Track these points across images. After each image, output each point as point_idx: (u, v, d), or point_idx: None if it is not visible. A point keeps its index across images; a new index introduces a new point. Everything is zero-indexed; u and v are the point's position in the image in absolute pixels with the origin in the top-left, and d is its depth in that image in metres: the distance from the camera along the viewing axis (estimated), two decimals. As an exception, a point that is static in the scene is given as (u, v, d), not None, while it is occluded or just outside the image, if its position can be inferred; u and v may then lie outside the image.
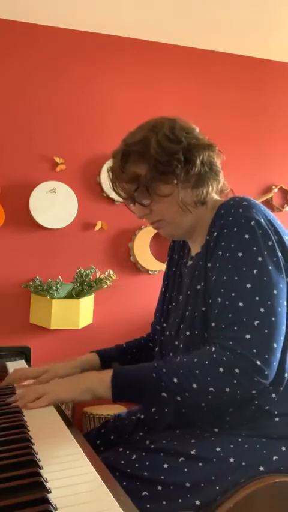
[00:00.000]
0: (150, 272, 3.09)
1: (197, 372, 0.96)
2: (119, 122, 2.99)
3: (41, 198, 2.90)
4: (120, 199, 1.27)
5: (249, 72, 3.40)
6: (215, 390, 0.95)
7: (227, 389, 0.95)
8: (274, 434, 1.02)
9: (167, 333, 1.21)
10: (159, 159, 1.09)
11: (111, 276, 2.86)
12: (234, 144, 3.30)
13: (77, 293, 2.79)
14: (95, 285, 2.81)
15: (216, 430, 1.05)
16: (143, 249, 3.07)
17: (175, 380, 0.97)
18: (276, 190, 3.38)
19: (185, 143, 1.11)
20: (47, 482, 0.66)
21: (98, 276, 2.86)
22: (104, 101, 3.11)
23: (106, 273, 2.86)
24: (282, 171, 3.43)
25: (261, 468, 0.97)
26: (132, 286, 3.06)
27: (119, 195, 1.19)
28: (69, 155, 3.02)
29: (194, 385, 0.96)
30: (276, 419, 1.03)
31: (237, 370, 0.94)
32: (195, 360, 0.98)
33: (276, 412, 1.03)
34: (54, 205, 2.92)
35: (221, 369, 0.94)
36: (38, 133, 2.99)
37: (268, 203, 3.37)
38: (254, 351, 0.94)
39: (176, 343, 1.16)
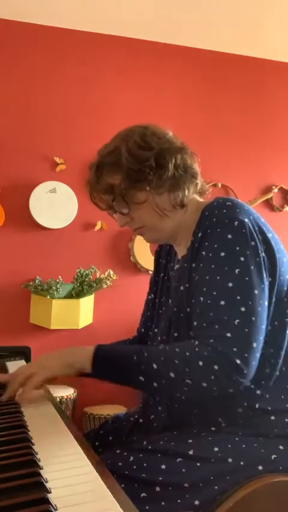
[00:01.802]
0: (150, 272, 3.08)
1: (177, 361, 0.97)
2: (119, 121, 2.96)
3: (41, 198, 2.90)
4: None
5: (249, 73, 3.40)
6: (191, 382, 0.96)
7: (204, 384, 0.95)
8: (271, 433, 1.02)
9: (159, 338, 1.21)
10: (131, 167, 1.10)
11: (111, 276, 2.87)
12: (234, 144, 3.30)
13: (77, 293, 2.79)
14: (95, 285, 2.81)
15: (213, 428, 1.05)
16: (143, 249, 3.07)
17: (154, 366, 0.98)
18: (276, 190, 3.38)
19: (156, 149, 1.11)
20: (47, 482, 0.66)
21: (98, 276, 2.86)
22: (104, 101, 3.11)
23: (106, 273, 2.86)
24: (282, 171, 3.43)
25: (260, 467, 0.97)
26: (132, 286, 3.06)
27: (98, 206, 1.20)
28: (69, 155, 3.02)
29: (172, 374, 0.96)
30: (272, 417, 1.03)
31: (216, 367, 0.94)
32: (177, 349, 0.99)
33: (270, 408, 1.03)
34: (54, 205, 2.92)
35: (201, 363, 0.95)
36: (38, 133, 2.99)
37: (268, 203, 3.37)
38: (234, 349, 0.95)
39: None
